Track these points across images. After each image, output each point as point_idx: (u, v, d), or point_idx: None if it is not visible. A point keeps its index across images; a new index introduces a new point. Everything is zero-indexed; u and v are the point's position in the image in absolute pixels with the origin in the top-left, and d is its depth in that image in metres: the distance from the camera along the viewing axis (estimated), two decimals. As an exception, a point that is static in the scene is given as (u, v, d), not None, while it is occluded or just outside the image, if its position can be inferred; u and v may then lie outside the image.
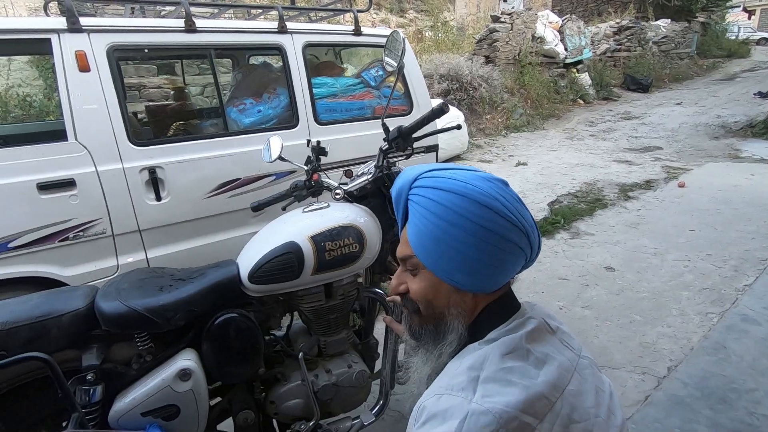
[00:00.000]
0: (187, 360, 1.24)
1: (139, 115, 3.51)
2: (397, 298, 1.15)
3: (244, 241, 2.41)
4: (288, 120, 2.52)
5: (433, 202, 0.70)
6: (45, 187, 1.89)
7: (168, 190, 2.16)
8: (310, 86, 2.53)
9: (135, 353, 1.26)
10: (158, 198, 2.15)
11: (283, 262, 1.32)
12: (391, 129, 1.46)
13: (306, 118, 2.52)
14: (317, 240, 1.35)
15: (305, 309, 1.44)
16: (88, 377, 1.16)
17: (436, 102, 1.79)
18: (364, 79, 2.82)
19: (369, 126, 2.73)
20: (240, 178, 2.35)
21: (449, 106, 1.33)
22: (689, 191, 4.71)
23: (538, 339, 0.71)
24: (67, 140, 1.94)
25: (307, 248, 1.34)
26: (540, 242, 0.75)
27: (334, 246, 1.36)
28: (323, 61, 3.04)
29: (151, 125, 2.95)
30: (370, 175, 1.54)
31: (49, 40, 1.90)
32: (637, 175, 5.47)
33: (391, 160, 1.57)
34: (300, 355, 1.41)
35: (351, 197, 1.57)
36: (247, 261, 1.37)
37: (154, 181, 2.12)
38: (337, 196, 1.55)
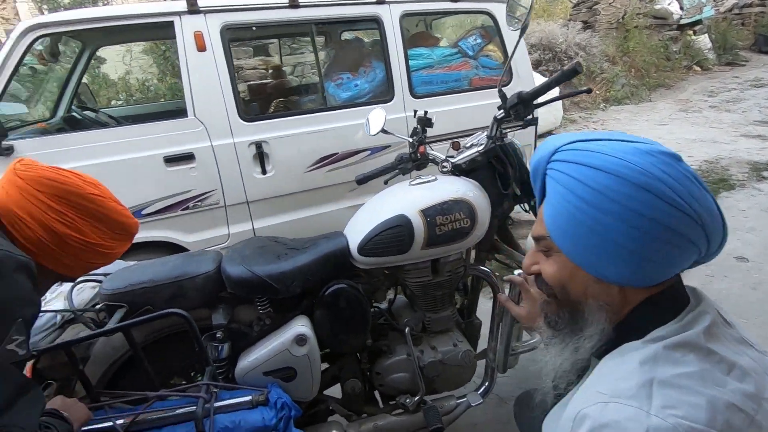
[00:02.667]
0: (302, 326, 1.28)
1: (241, 94, 3.72)
2: (516, 277, 1.06)
3: (340, 215, 2.50)
4: (384, 93, 2.48)
5: (575, 181, 0.59)
6: (170, 160, 2.07)
7: (272, 164, 2.26)
8: (407, 58, 2.45)
9: (255, 316, 1.33)
10: (264, 171, 2.25)
11: (393, 236, 1.30)
12: (509, 96, 1.35)
13: (401, 91, 2.47)
14: (428, 214, 1.30)
15: (411, 284, 1.42)
16: (218, 335, 1.25)
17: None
18: (462, 49, 2.68)
19: (465, 98, 2.60)
20: (337, 153, 2.39)
21: (581, 66, 1.18)
22: None
23: (717, 336, 0.59)
24: (187, 116, 2.09)
25: (418, 222, 1.30)
26: (725, 232, 0.60)
27: (445, 221, 1.31)
28: (417, 32, 2.94)
29: (257, 102, 3.10)
30: (481, 147, 1.45)
31: (172, 22, 2.04)
32: (773, 151, 4.66)
33: (504, 131, 1.46)
34: (407, 329, 1.40)
35: (458, 170, 1.49)
36: (356, 233, 1.37)
37: (260, 155, 2.23)
38: (444, 169, 1.49)
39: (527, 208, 1.56)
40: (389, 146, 2.48)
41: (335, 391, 1.49)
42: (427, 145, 1.58)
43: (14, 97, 2.79)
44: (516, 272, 1.13)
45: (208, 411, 1.07)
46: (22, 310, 0.68)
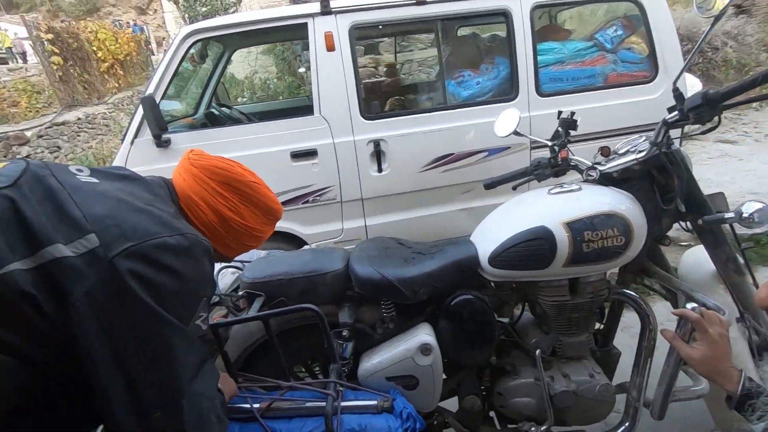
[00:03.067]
0: (427, 335, 1.23)
1: (367, 90, 3.81)
2: (691, 313, 0.91)
3: (452, 217, 2.43)
4: (506, 91, 2.34)
5: None
6: (296, 155, 2.18)
7: (389, 162, 2.26)
8: (535, 53, 2.28)
9: (379, 317, 1.31)
10: (380, 169, 2.27)
11: (531, 249, 1.19)
12: (687, 95, 1.14)
13: (527, 88, 2.30)
14: (574, 228, 1.16)
15: (544, 302, 1.29)
16: (344, 333, 1.26)
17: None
18: (598, 42, 2.41)
19: (599, 97, 2.34)
20: (453, 153, 2.31)
21: None
22: None
23: None
24: (313, 114, 2.18)
25: (562, 236, 1.17)
26: None
27: (595, 237, 1.16)
28: (546, 25, 2.72)
29: (375, 100, 3.16)
30: (641, 154, 1.26)
31: (305, 24, 2.13)
32: None
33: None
34: (537, 352, 1.27)
35: (607, 180, 1.32)
36: (486, 242, 1.28)
37: (378, 153, 2.24)
38: (590, 177, 1.32)
39: (689, 226, 1.33)
40: (508, 148, 2.33)
41: (450, 404, 1.42)
42: (569, 150, 1.42)
43: (171, 96, 3.18)
44: (689, 305, 0.96)
45: (336, 409, 1.07)
46: (207, 290, 0.74)
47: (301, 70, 5.41)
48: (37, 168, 0.67)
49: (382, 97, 3.16)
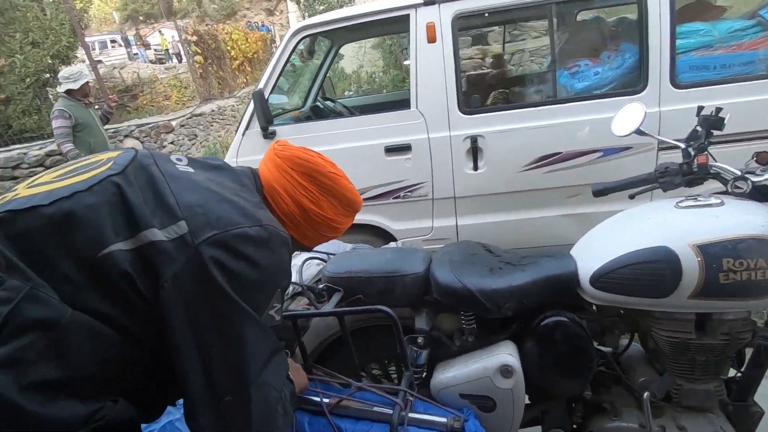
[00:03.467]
0: (509, 355, 1.11)
1: (467, 83, 3.68)
2: None
3: (554, 223, 2.20)
4: (632, 83, 2.02)
5: None
6: (390, 150, 2.16)
7: (485, 160, 2.12)
8: (673, 36, 1.92)
9: (458, 328, 1.23)
10: (475, 167, 2.14)
11: (648, 273, 0.99)
12: None
13: (658, 79, 1.95)
14: (709, 252, 0.94)
15: (660, 338, 1.07)
16: (418, 340, 1.20)
17: None
18: (764, 20, 1.95)
19: (757, 88, 1.90)
20: (561, 152, 2.07)
21: None
22: None
23: None
24: (409, 108, 2.13)
25: (690, 261, 0.95)
26: None
27: (738, 266, 0.92)
28: (692, 2, 2.29)
29: (477, 93, 3.02)
30: (818, 164, 0.97)
31: (408, 15, 2.08)
32: None
33: None
34: (645, 395, 1.07)
35: (762, 195, 1.04)
36: (589, 258, 1.10)
37: (474, 150, 2.12)
38: (739, 190, 1.06)
39: None
40: (629, 148, 2.02)
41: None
42: (709, 154, 1.16)
43: (280, 89, 3.40)
44: None
45: (404, 419, 1.02)
46: (282, 281, 0.74)
47: (406, 62, 5.41)
48: (143, 157, 0.73)
49: (484, 90, 2.98)
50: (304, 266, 1.45)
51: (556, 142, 2.06)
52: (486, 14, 2.07)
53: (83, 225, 0.61)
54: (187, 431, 0.68)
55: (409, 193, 2.23)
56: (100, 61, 13.47)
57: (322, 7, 9.03)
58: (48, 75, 5.98)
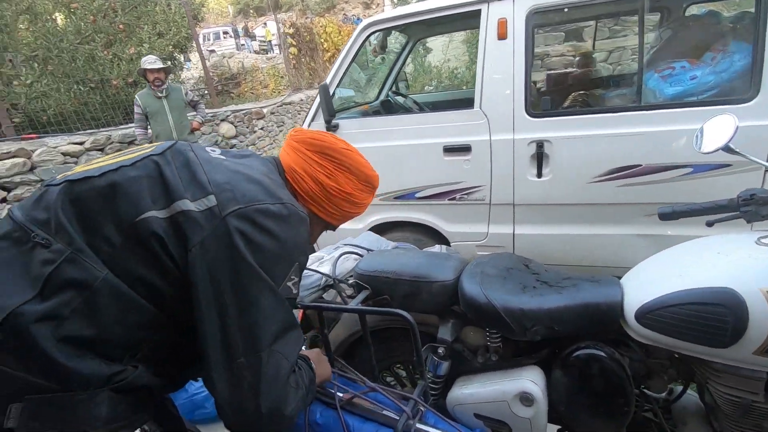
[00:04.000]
0: (532, 383, 1.03)
1: (538, 84, 3.46)
2: None
3: (624, 244, 1.98)
4: (739, 90, 1.73)
5: None
6: (449, 149, 2.10)
7: (551, 167, 1.97)
8: (801, 36, 1.60)
9: (483, 345, 1.17)
10: (539, 174, 1.99)
11: (704, 317, 0.85)
12: None
13: (775, 86, 1.64)
14: (787, 302, 0.78)
15: (719, 394, 0.92)
16: (439, 350, 1.17)
17: None
18: None
19: None
20: (640, 165, 1.85)
21: None
22: None
23: None
24: (472, 108, 2.05)
25: (761, 310, 0.79)
26: None
27: (825, 324, 0.75)
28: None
29: (550, 95, 2.81)
30: None
31: (479, 11, 1.99)
32: None
33: None
34: (691, 455, 0.93)
35: None
36: (639, 289, 0.98)
37: (539, 155, 1.97)
38: None
39: None
40: (728, 165, 1.74)
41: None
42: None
43: (355, 83, 3.47)
44: None
45: (410, 427, 1.00)
46: (300, 257, 0.79)
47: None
48: (181, 145, 0.82)
49: (563, 91, 2.75)
50: (340, 259, 1.48)
51: (636, 153, 1.84)
52: (566, 9, 1.89)
53: (125, 193, 0.70)
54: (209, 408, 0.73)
55: (465, 196, 2.15)
56: (213, 51, 14.90)
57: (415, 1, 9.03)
58: (168, 63, 6.78)
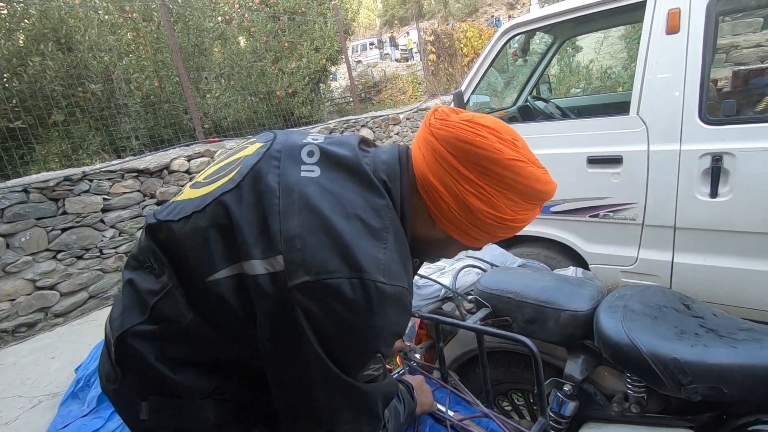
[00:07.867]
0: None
1: (719, 84, 2.86)
2: None
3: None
4: None
5: None
6: (594, 161, 1.87)
7: (732, 185, 1.60)
8: None
9: (621, 391, 1.01)
10: (713, 194, 1.64)
11: None
12: None
13: None
14: None
15: None
16: (566, 387, 1.04)
17: None
18: None
19: None
20: None
21: None
22: None
23: None
24: (627, 114, 1.79)
25: None
26: None
27: None
28: None
29: (736, 97, 2.29)
30: None
31: (644, 2, 1.73)
32: None
33: None
34: None
35: None
36: None
37: (715, 170, 1.62)
38: None
39: None
40: None
41: None
42: None
43: (492, 88, 3.36)
44: None
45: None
46: (381, 345, 0.64)
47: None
48: (267, 161, 0.67)
49: (749, 93, 2.21)
50: (461, 272, 1.44)
51: None
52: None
53: (194, 251, 0.64)
54: None
55: (611, 213, 1.89)
56: (359, 61, 16.12)
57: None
58: (321, 74, 7.61)
